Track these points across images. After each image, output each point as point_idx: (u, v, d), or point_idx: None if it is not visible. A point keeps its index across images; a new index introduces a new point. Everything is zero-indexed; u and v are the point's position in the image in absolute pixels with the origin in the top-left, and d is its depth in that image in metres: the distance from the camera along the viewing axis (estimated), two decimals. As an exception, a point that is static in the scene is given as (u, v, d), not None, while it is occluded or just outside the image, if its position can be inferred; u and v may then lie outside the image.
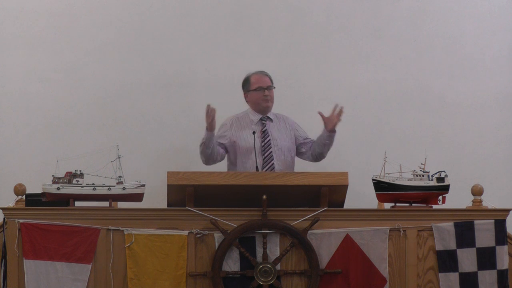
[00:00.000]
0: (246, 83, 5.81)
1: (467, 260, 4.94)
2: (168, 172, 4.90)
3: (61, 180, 4.90)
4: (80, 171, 4.95)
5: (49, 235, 4.81)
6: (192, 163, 6.34)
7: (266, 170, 5.56)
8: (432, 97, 6.55)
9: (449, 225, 4.96)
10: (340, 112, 5.58)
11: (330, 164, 6.00)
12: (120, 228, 4.85)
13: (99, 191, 4.90)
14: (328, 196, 4.94)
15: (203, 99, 6.42)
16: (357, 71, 6.53)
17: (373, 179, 5.04)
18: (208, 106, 5.46)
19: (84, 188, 4.90)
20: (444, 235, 4.95)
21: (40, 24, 6.37)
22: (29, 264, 4.79)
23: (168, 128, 6.42)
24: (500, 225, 4.96)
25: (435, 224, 4.96)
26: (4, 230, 4.86)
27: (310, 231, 4.89)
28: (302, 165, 5.91)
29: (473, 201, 5.09)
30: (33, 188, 5.06)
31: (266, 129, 5.74)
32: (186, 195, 4.89)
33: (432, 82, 6.55)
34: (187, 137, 6.40)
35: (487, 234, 4.95)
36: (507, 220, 5.00)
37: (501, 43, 6.60)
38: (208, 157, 5.62)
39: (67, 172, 4.92)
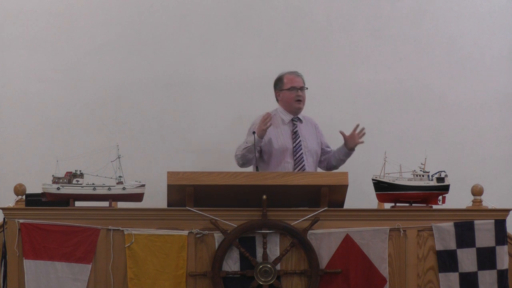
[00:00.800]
0: (278, 82, 5.76)
1: (467, 260, 4.94)
2: (168, 172, 4.90)
3: (61, 180, 4.90)
4: (80, 171, 4.94)
5: (49, 235, 4.80)
6: (192, 163, 6.34)
7: (297, 171, 5.53)
8: (432, 97, 6.55)
9: (449, 225, 4.96)
10: (362, 133, 5.59)
11: (330, 164, 6.01)
12: (120, 228, 4.85)
13: (99, 191, 4.90)
14: (328, 196, 4.94)
15: (203, 99, 6.44)
16: (357, 71, 6.53)
17: (373, 179, 5.04)
18: (268, 113, 5.45)
19: (84, 188, 4.90)
20: (444, 235, 4.95)
21: (40, 24, 6.38)
22: (29, 264, 4.79)
23: (168, 128, 6.42)
24: (500, 225, 4.96)
25: (435, 224, 4.96)
26: (4, 230, 4.86)
27: (310, 231, 4.89)
28: (302, 165, 5.91)
29: (473, 201, 5.09)
30: (33, 188, 5.06)
31: (297, 130, 5.71)
32: (186, 195, 4.89)
33: (432, 82, 6.55)
34: (187, 137, 6.41)
35: (487, 234, 4.95)
36: (507, 220, 5.00)
37: (501, 43, 6.61)
38: (249, 161, 5.54)
39: (67, 172, 4.92)
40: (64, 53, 6.38)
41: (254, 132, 5.50)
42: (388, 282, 4.91)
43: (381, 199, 5.09)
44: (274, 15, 6.52)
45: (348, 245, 4.90)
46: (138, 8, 6.44)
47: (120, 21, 6.42)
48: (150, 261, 4.84)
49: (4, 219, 4.88)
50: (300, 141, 5.67)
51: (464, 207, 5.07)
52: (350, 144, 5.64)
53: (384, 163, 5.02)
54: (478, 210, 5.02)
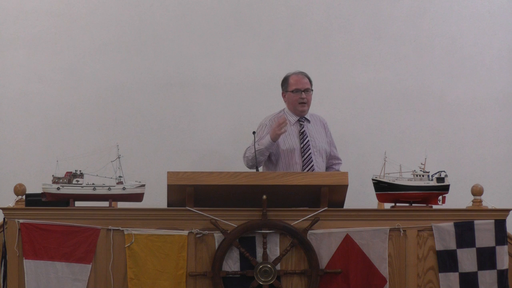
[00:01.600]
0: (284, 83, 5.75)
1: (467, 260, 4.94)
2: (168, 172, 4.89)
3: (61, 180, 4.90)
4: (80, 171, 4.94)
5: (49, 235, 4.80)
6: (192, 163, 6.34)
7: (306, 171, 5.53)
8: (432, 97, 6.55)
9: (449, 225, 4.95)
10: None
11: (330, 164, 6.01)
12: (120, 228, 4.85)
13: (99, 191, 4.90)
14: (328, 196, 4.93)
15: (203, 99, 6.44)
16: (357, 71, 6.53)
17: (373, 179, 5.04)
18: (284, 118, 5.45)
19: (84, 188, 4.90)
20: (444, 235, 4.95)
21: (40, 24, 6.38)
22: (29, 264, 4.79)
23: (168, 128, 6.42)
24: (500, 225, 4.96)
25: (435, 224, 4.95)
26: (4, 230, 4.86)
27: (310, 231, 4.89)
28: (302, 165, 5.91)
29: (473, 201, 5.09)
30: (33, 188, 5.06)
31: (304, 130, 5.70)
32: (186, 195, 4.89)
33: (432, 82, 6.55)
34: (187, 137, 6.41)
35: (487, 234, 4.95)
36: (507, 220, 5.00)
37: (501, 43, 6.61)
38: (259, 163, 5.50)
39: (67, 172, 4.92)
40: (64, 53, 6.39)
41: (254, 132, 5.51)
42: (388, 282, 4.91)
43: (381, 199, 5.08)
44: (274, 15, 6.52)
45: (348, 245, 4.90)
46: (138, 8, 6.44)
47: (120, 21, 6.42)
48: (150, 261, 4.84)
49: (4, 219, 4.88)
50: (308, 141, 5.67)
51: (464, 207, 5.07)
52: None
53: (384, 163, 5.02)
54: (478, 210, 5.02)
